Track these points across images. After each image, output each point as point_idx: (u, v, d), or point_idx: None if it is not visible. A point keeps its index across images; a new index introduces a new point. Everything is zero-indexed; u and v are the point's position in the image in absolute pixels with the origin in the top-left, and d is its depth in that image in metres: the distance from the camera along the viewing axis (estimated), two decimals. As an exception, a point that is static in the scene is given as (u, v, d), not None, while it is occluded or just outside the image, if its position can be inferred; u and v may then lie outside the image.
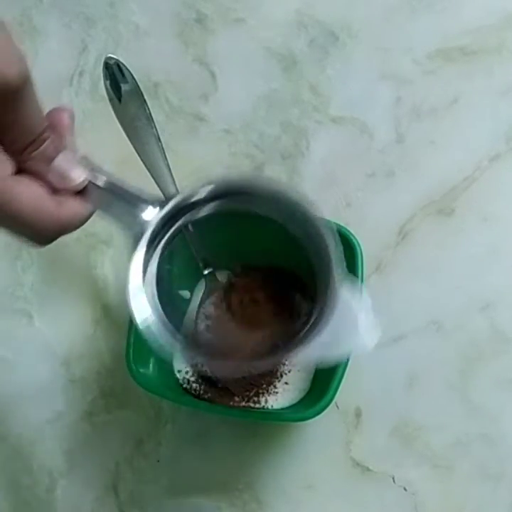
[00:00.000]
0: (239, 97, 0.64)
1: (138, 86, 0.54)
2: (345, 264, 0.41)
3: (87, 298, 0.61)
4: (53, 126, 0.38)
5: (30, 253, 0.62)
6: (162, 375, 0.56)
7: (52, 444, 0.59)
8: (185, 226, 0.44)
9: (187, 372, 0.57)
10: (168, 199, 0.42)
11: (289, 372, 0.56)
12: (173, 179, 0.52)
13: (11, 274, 0.62)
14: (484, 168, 0.60)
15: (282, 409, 0.55)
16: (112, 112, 0.54)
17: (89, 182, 0.39)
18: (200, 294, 0.55)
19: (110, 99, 0.54)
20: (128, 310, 0.40)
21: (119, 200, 0.40)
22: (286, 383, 0.56)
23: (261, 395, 0.55)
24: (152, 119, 0.54)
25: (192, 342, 0.43)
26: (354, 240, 0.53)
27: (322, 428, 0.56)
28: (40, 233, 0.37)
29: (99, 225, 0.62)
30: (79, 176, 0.39)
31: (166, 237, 0.43)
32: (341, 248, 0.41)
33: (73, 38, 0.67)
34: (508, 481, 0.55)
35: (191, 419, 0.58)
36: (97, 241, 0.62)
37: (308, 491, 0.56)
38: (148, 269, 0.42)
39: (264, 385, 0.56)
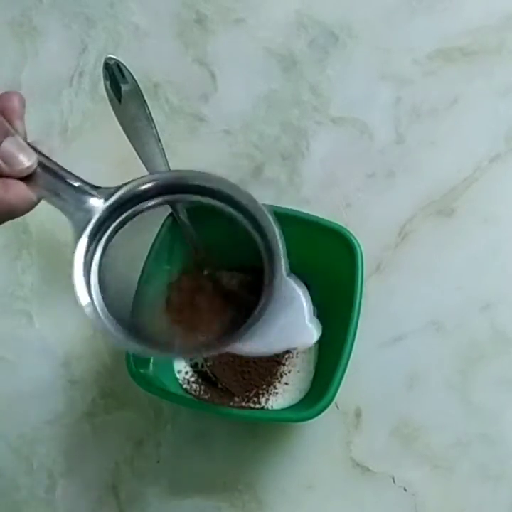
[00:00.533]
0: (239, 98, 0.64)
1: (138, 86, 0.54)
2: (287, 259, 0.41)
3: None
4: (2, 110, 0.38)
5: (30, 253, 0.62)
6: (162, 376, 0.56)
7: (52, 444, 0.59)
8: (133, 217, 0.44)
9: (187, 373, 0.57)
10: (114, 190, 0.42)
11: (289, 372, 0.56)
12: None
13: (11, 275, 0.62)
14: (484, 168, 0.60)
15: (282, 409, 0.55)
16: (112, 113, 0.54)
17: (37, 168, 0.39)
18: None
19: (110, 100, 0.54)
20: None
21: (67, 187, 0.40)
22: (286, 384, 0.56)
23: (261, 396, 0.55)
24: (152, 119, 0.54)
25: (134, 333, 0.43)
26: (354, 241, 0.53)
27: (322, 428, 0.56)
28: None
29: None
30: (27, 160, 0.38)
31: (110, 228, 0.42)
32: (284, 243, 0.41)
33: (73, 39, 0.67)
34: (508, 481, 0.55)
35: (191, 420, 0.58)
36: (97, 241, 0.62)
37: (308, 492, 0.56)
38: (94, 258, 0.42)
39: (264, 386, 0.56)
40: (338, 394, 0.50)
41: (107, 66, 0.54)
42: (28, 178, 0.39)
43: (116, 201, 0.42)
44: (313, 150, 0.62)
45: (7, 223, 0.59)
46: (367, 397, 0.57)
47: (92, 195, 0.41)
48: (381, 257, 0.59)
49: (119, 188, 0.42)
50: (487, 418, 0.56)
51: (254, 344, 0.41)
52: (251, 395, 0.55)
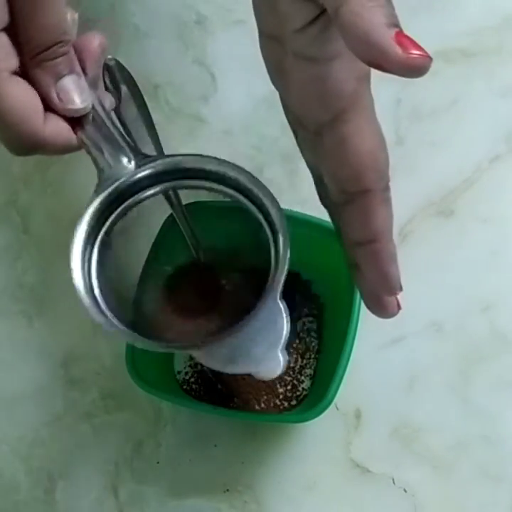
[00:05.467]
0: (239, 99, 0.64)
1: (138, 87, 0.54)
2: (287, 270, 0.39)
3: (87, 299, 0.61)
4: (79, 50, 0.38)
5: (30, 254, 0.62)
6: (162, 377, 0.56)
7: (51, 445, 0.59)
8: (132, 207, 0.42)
9: (187, 374, 0.57)
10: (150, 160, 0.40)
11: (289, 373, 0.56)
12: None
13: (11, 276, 0.62)
14: (484, 169, 0.60)
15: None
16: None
17: (89, 114, 0.38)
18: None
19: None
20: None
21: (109, 142, 0.39)
22: (285, 384, 0.56)
23: (261, 396, 0.55)
24: (152, 120, 0.54)
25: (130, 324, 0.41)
26: (354, 241, 0.53)
27: (322, 429, 0.56)
28: (15, 141, 0.36)
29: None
30: (80, 102, 0.37)
31: (129, 201, 0.41)
32: (288, 247, 0.39)
33: (73, 40, 0.67)
34: (508, 482, 0.55)
35: (191, 421, 0.58)
36: (97, 242, 0.62)
37: (308, 492, 0.56)
38: (101, 229, 0.40)
39: (264, 386, 0.56)
40: (337, 395, 0.50)
41: (106, 67, 0.54)
42: (76, 121, 0.38)
43: (147, 173, 0.40)
44: (313, 151, 0.62)
45: (7, 223, 0.59)
46: (367, 398, 0.57)
47: (129, 159, 0.40)
48: (381, 258, 0.59)
49: (155, 158, 0.40)
50: (487, 419, 0.56)
51: (220, 355, 0.39)
52: (251, 395, 0.55)
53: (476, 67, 0.62)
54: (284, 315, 0.40)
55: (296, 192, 0.61)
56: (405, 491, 0.55)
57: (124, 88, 0.53)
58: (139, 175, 0.40)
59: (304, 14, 0.36)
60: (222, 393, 0.56)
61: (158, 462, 0.58)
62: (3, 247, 0.63)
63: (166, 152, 0.54)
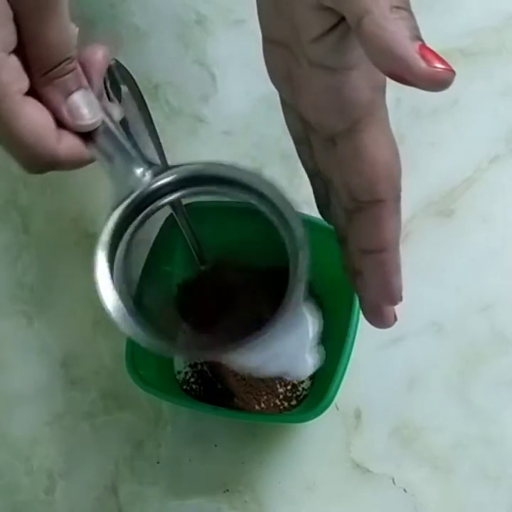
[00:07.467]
0: (239, 99, 0.64)
1: (138, 88, 0.54)
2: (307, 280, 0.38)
3: (87, 299, 0.61)
4: (84, 63, 0.38)
5: (30, 254, 0.62)
6: (162, 377, 0.56)
7: (51, 445, 0.59)
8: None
9: (186, 374, 0.57)
10: (164, 168, 0.40)
11: (289, 373, 0.56)
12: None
13: (11, 276, 0.62)
14: (484, 169, 0.60)
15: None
16: (112, 114, 0.54)
17: (100, 127, 0.38)
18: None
19: (110, 101, 0.54)
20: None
21: (122, 155, 0.39)
22: (285, 384, 0.56)
23: (261, 396, 0.55)
24: (152, 120, 0.54)
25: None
26: (354, 241, 0.53)
27: (322, 429, 0.56)
28: (31, 160, 0.37)
29: (99, 226, 0.62)
30: (91, 117, 0.38)
31: (146, 210, 0.41)
32: (308, 261, 0.39)
33: (73, 40, 0.67)
34: (508, 482, 0.55)
35: (191, 421, 0.58)
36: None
37: (308, 492, 0.56)
38: (123, 238, 0.40)
39: (264, 386, 0.56)
40: (338, 395, 0.50)
41: (107, 68, 0.54)
42: (87, 135, 0.38)
43: (162, 183, 0.40)
44: (313, 151, 0.62)
45: (7, 223, 0.59)
46: (367, 398, 0.57)
47: (145, 169, 0.39)
48: (381, 258, 0.59)
49: (170, 167, 0.40)
50: (487, 419, 0.56)
51: (249, 360, 0.39)
52: (251, 395, 0.55)
53: (476, 67, 0.62)
54: (309, 317, 0.39)
55: (296, 192, 0.60)
56: (405, 491, 0.55)
57: (124, 88, 0.54)
58: (156, 184, 0.40)
59: (321, 22, 0.36)
60: (222, 393, 0.56)
61: (158, 462, 0.58)
62: (3, 247, 0.63)
63: (166, 152, 0.54)
